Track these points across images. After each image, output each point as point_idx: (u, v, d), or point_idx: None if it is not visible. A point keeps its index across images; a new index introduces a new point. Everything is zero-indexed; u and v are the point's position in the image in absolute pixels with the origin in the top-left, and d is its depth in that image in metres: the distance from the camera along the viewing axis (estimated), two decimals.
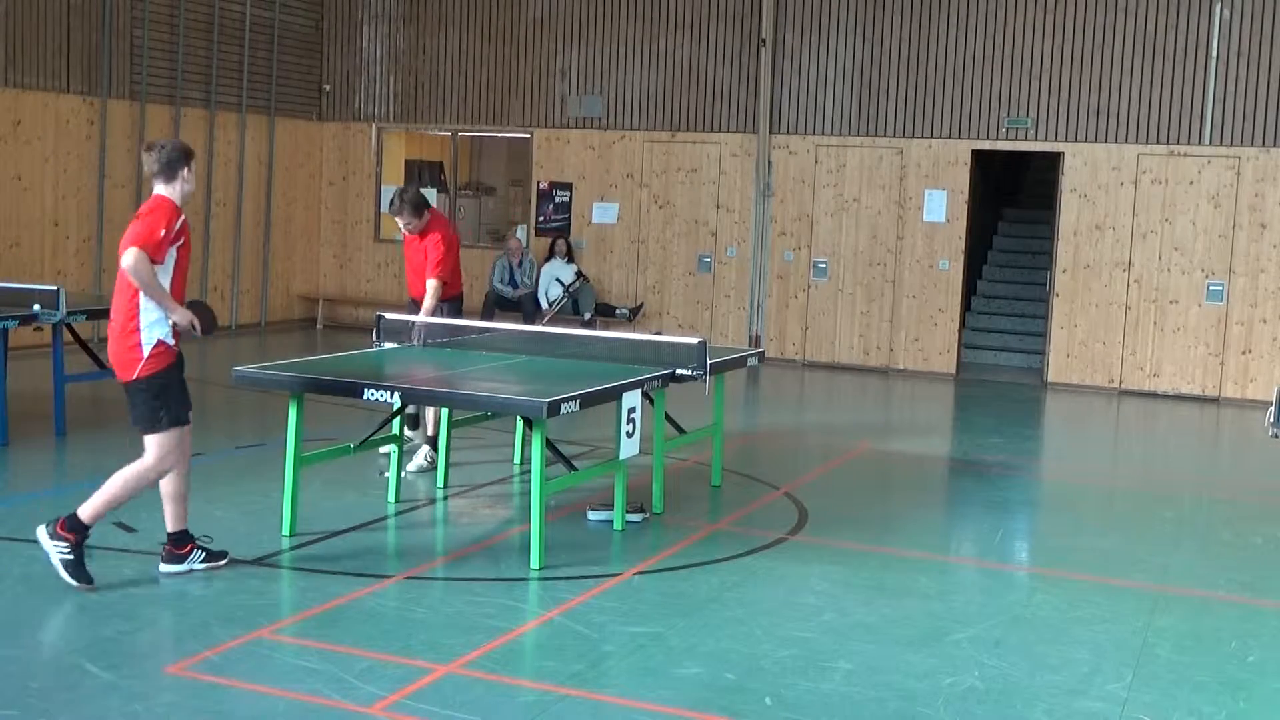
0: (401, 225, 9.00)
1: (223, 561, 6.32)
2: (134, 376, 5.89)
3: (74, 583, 5.86)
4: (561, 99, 16.42)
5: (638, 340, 9.01)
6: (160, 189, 6.02)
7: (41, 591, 5.93)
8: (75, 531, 5.89)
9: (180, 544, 6.23)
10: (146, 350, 5.88)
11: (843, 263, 15.25)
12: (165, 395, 5.96)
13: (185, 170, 6.03)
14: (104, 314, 11.10)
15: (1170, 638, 6.00)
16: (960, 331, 15.28)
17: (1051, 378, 14.51)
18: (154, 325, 5.89)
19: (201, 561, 6.26)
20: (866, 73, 15.02)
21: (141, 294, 5.84)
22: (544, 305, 15.66)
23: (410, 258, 9.13)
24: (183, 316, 5.93)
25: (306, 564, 6.53)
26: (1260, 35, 13.52)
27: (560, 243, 16.04)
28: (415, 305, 9.18)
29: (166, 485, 6.13)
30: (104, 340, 13.20)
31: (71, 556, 5.87)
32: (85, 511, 5.92)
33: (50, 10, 13.91)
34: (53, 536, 5.88)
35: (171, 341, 5.97)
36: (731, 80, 15.60)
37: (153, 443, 5.97)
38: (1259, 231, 13.64)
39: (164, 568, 6.21)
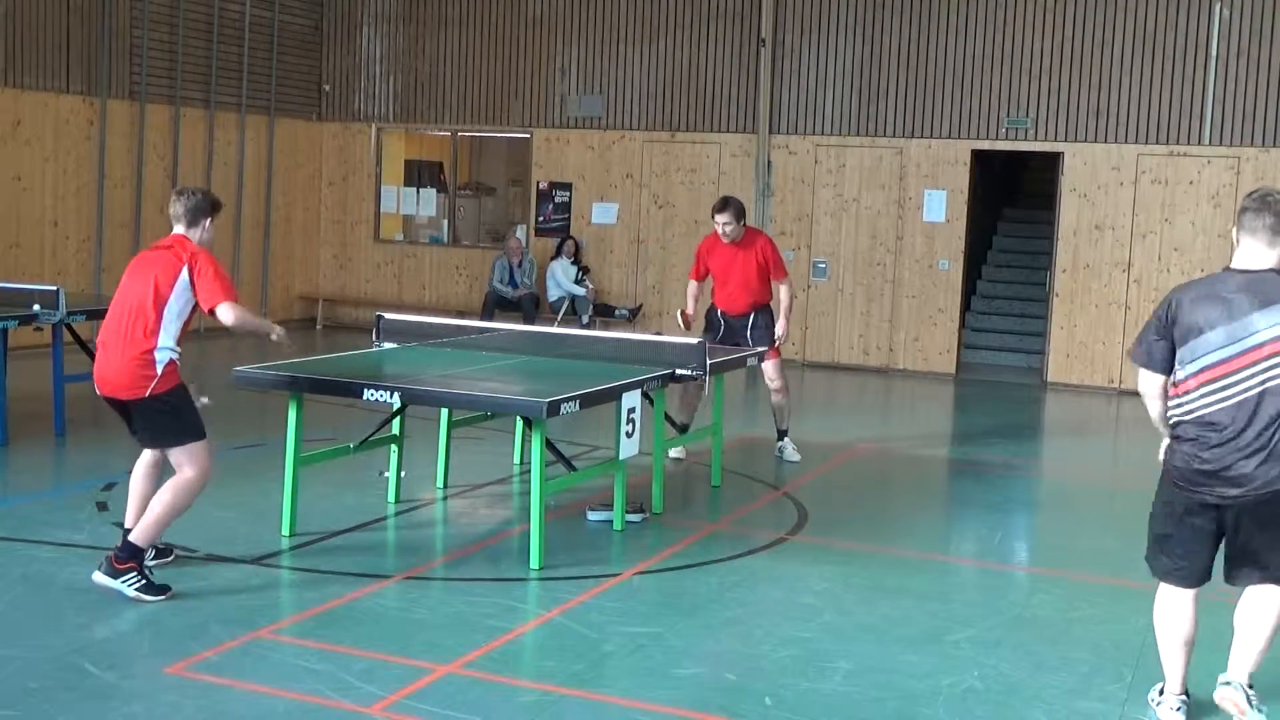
0: (723, 229, 9.21)
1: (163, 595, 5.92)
2: (148, 394, 5.87)
3: (160, 598, 5.81)
4: (561, 99, 16.42)
5: (638, 340, 9.02)
6: (179, 230, 6.13)
7: (41, 591, 5.94)
8: (134, 558, 5.84)
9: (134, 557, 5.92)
10: (160, 368, 5.89)
11: (842, 263, 15.25)
12: (182, 408, 5.99)
13: (207, 221, 6.15)
14: (104, 314, 11.18)
15: None
16: (960, 331, 15.28)
17: (1051, 378, 14.51)
18: (168, 348, 5.92)
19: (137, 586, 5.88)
20: (866, 73, 15.02)
21: (165, 316, 5.87)
22: (551, 298, 15.78)
23: (729, 268, 9.31)
24: (278, 332, 6.28)
25: (306, 564, 6.53)
26: (1260, 34, 13.52)
27: (569, 243, 16.06)
28: (728, 319, 9.39)
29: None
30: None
31: (143, 581, 5.82)
32: (138, 536, 5.88)
33: (50, 10, 13.91)
34: (113, 574, 5.81)
35: (178, 361, 6.02)
36: (731, 80, 15.60)
37: (185, 454, 5.95)
38: None
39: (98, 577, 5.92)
